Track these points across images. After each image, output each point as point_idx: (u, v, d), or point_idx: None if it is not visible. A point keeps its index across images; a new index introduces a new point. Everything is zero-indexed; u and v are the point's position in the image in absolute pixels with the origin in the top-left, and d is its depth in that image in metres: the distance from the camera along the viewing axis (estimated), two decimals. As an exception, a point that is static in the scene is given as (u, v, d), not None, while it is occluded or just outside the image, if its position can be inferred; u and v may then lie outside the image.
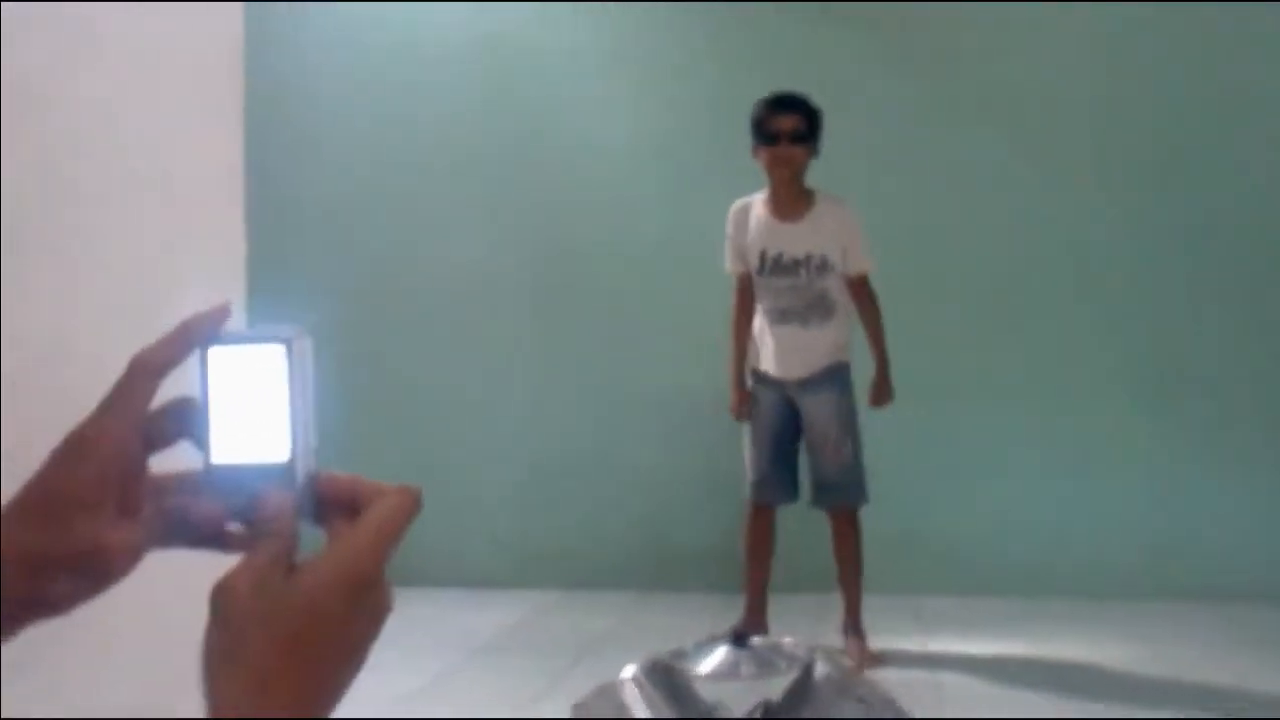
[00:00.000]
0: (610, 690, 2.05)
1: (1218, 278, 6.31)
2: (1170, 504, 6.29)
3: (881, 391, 5.27)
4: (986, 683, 4.90)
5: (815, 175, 5.22)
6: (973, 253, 6.45)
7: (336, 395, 5.90)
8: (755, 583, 5.32)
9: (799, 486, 5.30)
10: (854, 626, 5.21)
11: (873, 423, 5.42)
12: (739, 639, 2.12)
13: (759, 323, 5.23)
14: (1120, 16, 6.36)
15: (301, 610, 0.74)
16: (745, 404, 5.24)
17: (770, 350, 5.19)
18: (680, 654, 2.08)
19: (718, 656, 2.08)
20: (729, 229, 5.23)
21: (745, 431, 5.29)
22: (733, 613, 5.32)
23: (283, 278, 6.36)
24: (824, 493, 5.23)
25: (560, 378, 6.63)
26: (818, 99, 5.17)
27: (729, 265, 5.26)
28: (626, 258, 6.57)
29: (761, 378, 5.24)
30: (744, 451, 5.30)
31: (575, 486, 6.58)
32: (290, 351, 0.79)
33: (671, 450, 6.42)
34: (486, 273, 6.67)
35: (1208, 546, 6.24)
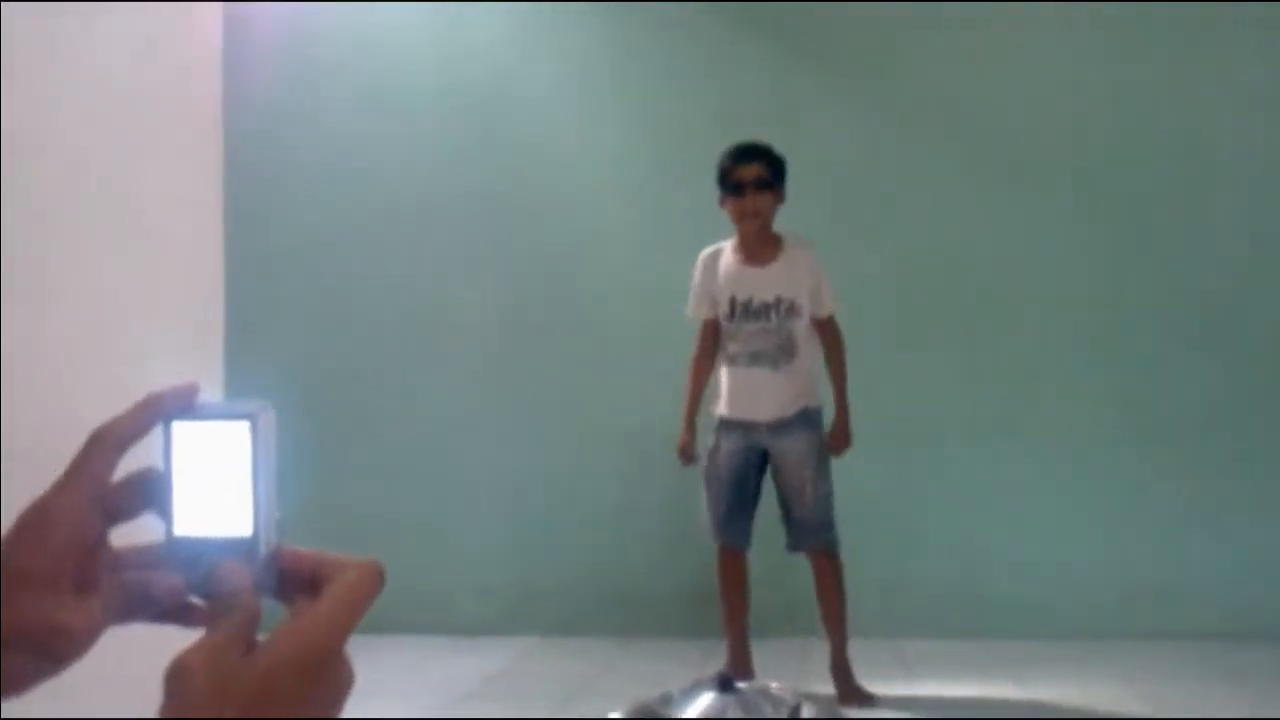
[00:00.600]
0: (595, 737, 2.02)
1: (1201, 319, 6.34)
2: (1154, 545, 6.30)
3: (841, 437, 5.27)
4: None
5: (794, 218, 5.28)
6: (954, 293, 6.47)
7: (316, 442, 5.89)
8: (734, 627, 5.30)
9: (752, 534, 5.29)
10: (841, 667, 5.19)
11: (855, 465, 5.41)
12: (725, 683, 2.10)
13: (726, 371, 5.26)
14: (1100, 50, 6.42)
15: (257, 690, 0.72)
16: (692, 445, 5.28)
17: (740, 394, 5.21)
18: (667, 699, 2.06)
19: (704, 701, 2.06)
20: (696, 275, 5.31)
21: (702, 479, 5.30)
22: (717, 657, 5.29)
23: (261, 321, 6.34)
24: (801, 535, 5.23)
25: (541, 424, 6.61)
26: (793, 141, 5.24)
27: (692, 310, 5.35)
28: (613, 301, 6.57)
29: (727, 424, 5.25)
30: (702, 499, 5.31)
31: (558, 533, 6.55)
32: (254, 428, 0.78)
33: (654, 495, 6.40)
34: (467, 318, 6.66)
35: (1192, 587, 6.24)
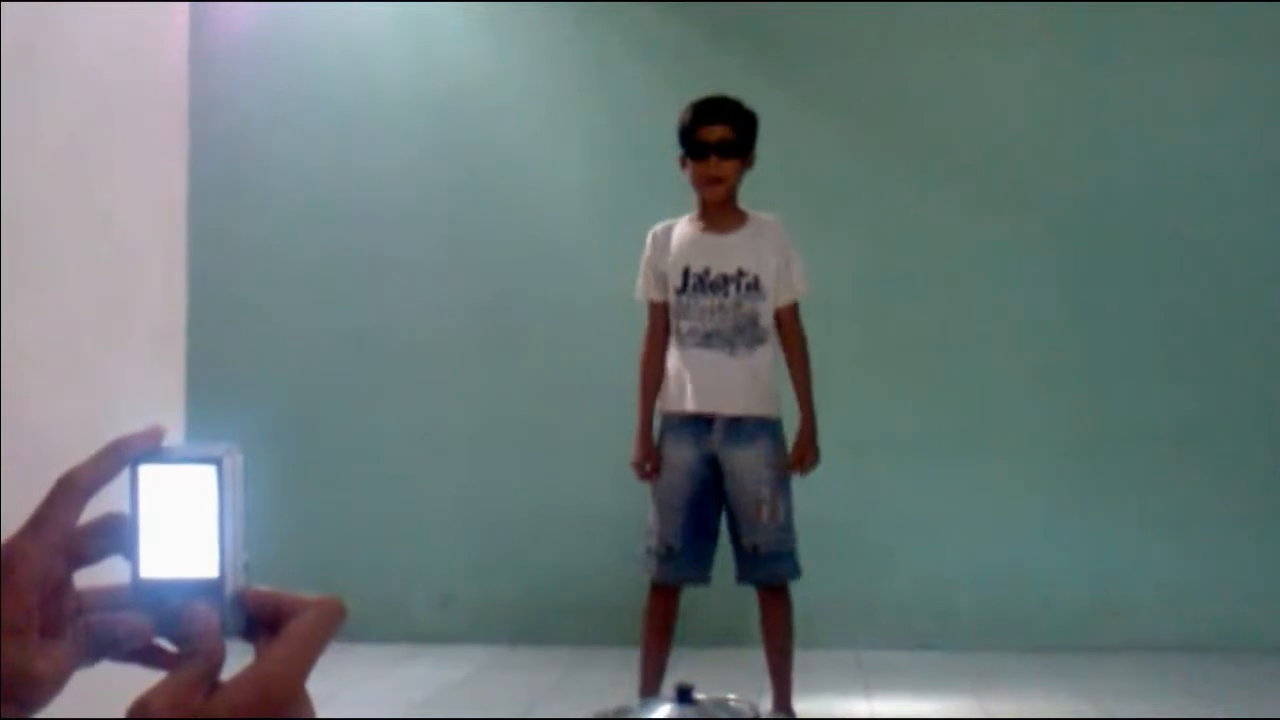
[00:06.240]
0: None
1: (1164, 333, 6.40)
2: (1115, 559, 6.34)
3: (806, 450, 4.66)
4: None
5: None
6: (918, 306, 6.49)
7: (279, 452, 5.83)
8: (650, 668, 4.67)
9: (712, 565, 4.63)
10: (786, 709, 4.67)
11: (817, 476, 5.37)
12: (683, 695, 2.10)
13: (674, 357, 4.63)
14: (1069, 68, 6.49)
15: None
16: (651, 459, 4.62)
17: (689, 384, 4.56)
18: (625, 710, 2.06)
19: (663, 713, 2.06)
20: (647, 251, 4.71)
21: (651, 493, 4.68)
22: (678, 668, 5.27)
23: (224, 330, 6.32)
24: (755, 566, 4.58)
25: (507, 431, 6.60)
26: (764, 149, 4.77)
27: (641, 292, 4.73)
28: (573, 310, 6.56)
29: (677, 423, 4.61)
30: (649, 516, 4.68)
31: (520, 542, 6.54)
32: (221, 471, 0.78)
33: (621, 505, 6.38)
34: (431, 325, 6.65)
35: (1152, 600, 6.29)
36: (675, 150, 4.74)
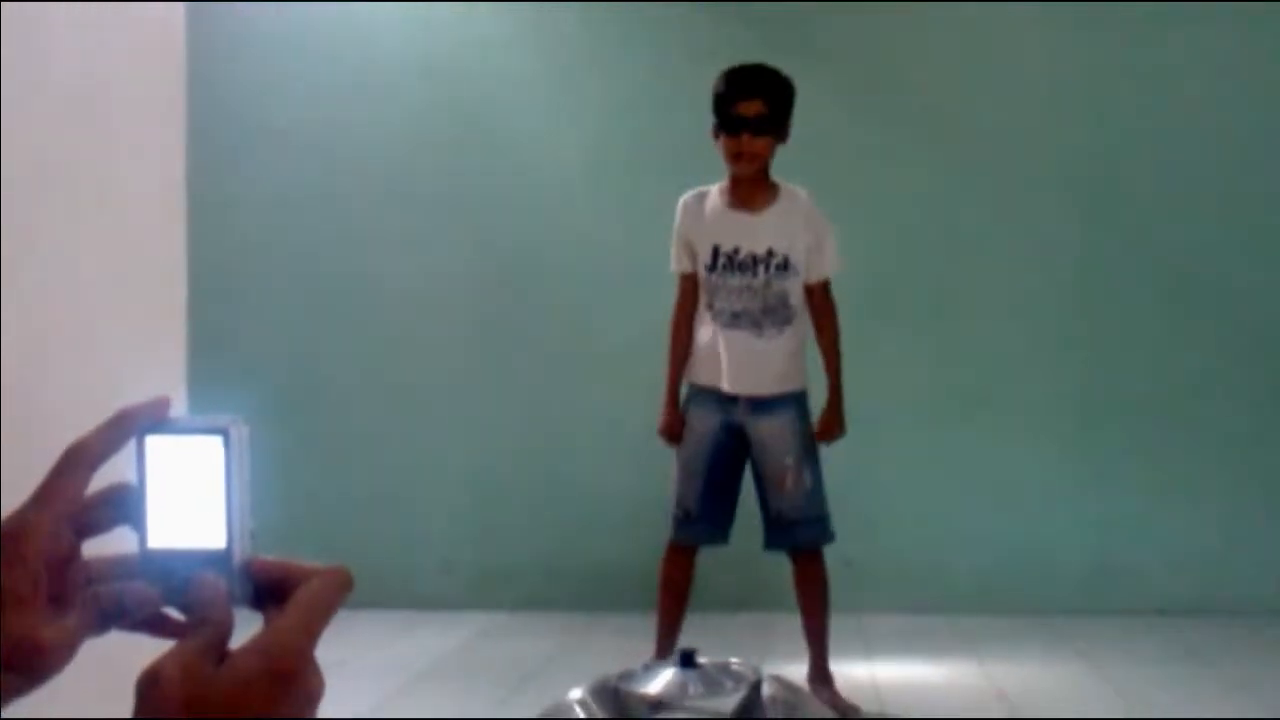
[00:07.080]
0: (557, 713, 2.04)
1: (1171, 298, 6.40)
2: (1116, 522, 6.36)
3: (832, 422, 4.67)
4: (932, 701, 4.91)
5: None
6: (924, 270, 6.49)
7: (282, 418, 5.84)
8: (666, 626, 4.70)
9: (732, 527, 4.70)
10: (822, 676, 4.69)
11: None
12: (686, 659, 2.12)
13: (702, 331, 4.61)
14: (1069, 27, 6.46)
15: (227, 701, 0.73)
16: (677, 424, 4.64)
17: (717, 361, 4.55)
18: (628, 675, 2.08)
19: (665, 677, 2.08)
20: (678, 221, 4.64)
21: (674, 458, 4.69)
22: (694, 633, 5.28)
23: (225, 304, 6.33)
24: (783, 532, 4.63)
25: (508, 399, 6.61)
26: None
27: (673, 264, 4.68)
28: (576, 279, 6.56)
29: (702, 395, 4.62)
30: (671, 480, 4.69)
31: (523, 507, 6.56)
32: (227, 442, 0.79)
33: (620, 471, 6.40)
34: (434, 294, 6.65)
35: (1154, 564, 6.32)
36: (680, 121, 4.75)
